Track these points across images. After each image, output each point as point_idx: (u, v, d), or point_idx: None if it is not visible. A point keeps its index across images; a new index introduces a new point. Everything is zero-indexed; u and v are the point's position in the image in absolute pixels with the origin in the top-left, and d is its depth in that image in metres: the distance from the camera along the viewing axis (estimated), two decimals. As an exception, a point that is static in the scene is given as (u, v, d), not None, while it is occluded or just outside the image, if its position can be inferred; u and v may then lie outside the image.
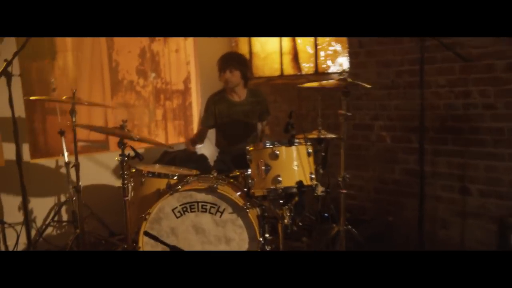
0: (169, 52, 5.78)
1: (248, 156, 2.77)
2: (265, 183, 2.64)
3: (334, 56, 4.32)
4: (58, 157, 3.70)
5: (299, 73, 4.64)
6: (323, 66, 4.41)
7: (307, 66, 4.57)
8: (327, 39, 4.33)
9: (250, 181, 2.72)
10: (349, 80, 2.87)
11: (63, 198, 4.05)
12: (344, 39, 4.20)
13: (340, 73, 4.22)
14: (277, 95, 4.64)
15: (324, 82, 3.15)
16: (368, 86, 2.99)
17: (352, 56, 3.98)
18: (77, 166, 3.33)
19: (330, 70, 4.36)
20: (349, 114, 2.86)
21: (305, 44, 4.55)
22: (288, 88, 4.53)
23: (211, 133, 3.91)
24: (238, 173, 3.11)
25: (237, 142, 3.79)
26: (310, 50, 4.50)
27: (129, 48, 6.55)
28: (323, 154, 3.08)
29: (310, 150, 2.71)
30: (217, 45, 5.05)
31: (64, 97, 3.23)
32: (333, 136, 3.17)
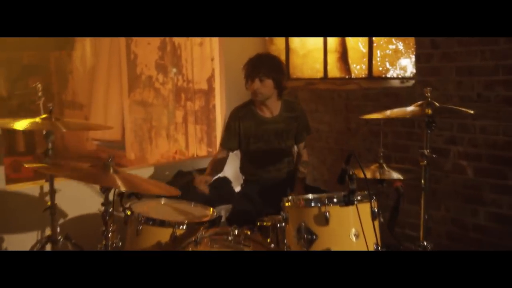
0: (192, 46, 4.95)
1: (283, 214, 1.94)
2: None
3: (395, 57, 3.38)
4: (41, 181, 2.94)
5: (347, 77, 3.72)
6: (380, 69, 3.48)
7: (357, 68, 3.65)
8: (386, 34, 3.39)
9: (285, 248, 1.89)
10: (436, 104, 1.96)
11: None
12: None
13: (402, 80, 3.29)
14: (318, 103, 3.75)
15: (398, 111, 2.20)
16: (470, 111, 2.07)
17: (422, 58, 3.03)
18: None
19: (388, 75, 3.43)
20: (434, 156, 1.95)
21: (356, 40, 3.62)
22: (332, 94, 3.63)
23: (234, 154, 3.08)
24: (269, 223, 2.28)
25: (268, 170, 2.95)
26: (363, 49, 3.57)
27: (148, 39, 5.77)
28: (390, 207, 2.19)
29: (376, 209, 1.84)
30: (246, 39, 4.18)
31: (40, 118, 2.41)
32: (400, 177, 2.27)
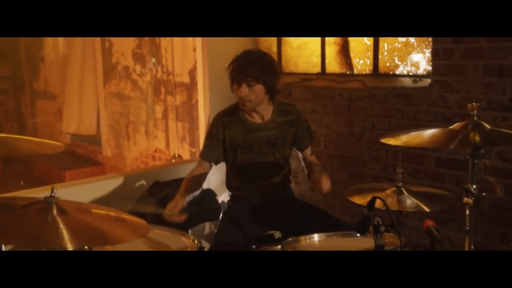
0: (171, 33, 4.42)
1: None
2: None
3: (405, 52, 2.91)
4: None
5: (349, 72, 3.25)
6: (387, 64, 3.02)
7: (361, 63, 3.18)
8: (396, 24, 2.91)
9: None
10: (486, 126, 1.49)
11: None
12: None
13: (415, 78, 2.83)
14: (316, 103, 3.27)
15: (428, 135, 1.65)
16: None
17: (440, 55, 2.57)
18: None
19: (397, 72, 2.97)
20: (484, 194, 1.50)
21: (360, 30, 3.14)
22: (333, 93, 3.16)
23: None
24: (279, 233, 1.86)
25: (260, 185, 2.49)
26: (367, 41, 3.09)
27: (124, 25, 5.19)
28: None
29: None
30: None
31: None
32: (426, 208, 1.82)
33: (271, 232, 2.20)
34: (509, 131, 1.46)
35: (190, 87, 4.32)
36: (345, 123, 3.10)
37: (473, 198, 1.48)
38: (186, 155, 4.50)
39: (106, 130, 5.66)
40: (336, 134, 3.18)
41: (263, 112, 2.41)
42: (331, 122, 3.18)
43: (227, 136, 2.42)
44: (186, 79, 4.35)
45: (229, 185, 2.61)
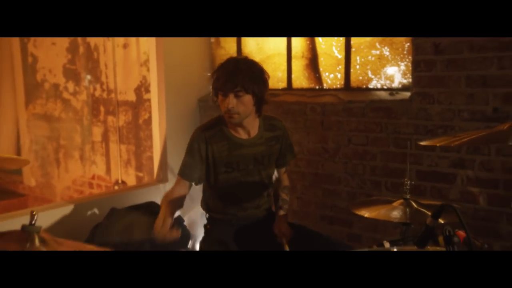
0: (113, 48, 4.05)
1: None
2: None
3: (379, 65, 2.88)
4: None
5: (318, 87, 3.15)
6: (360, 78, 2.96)
7: (331, 78, 3.09)
8: (367, 38, 2.88)
9: None
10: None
11: None
12: (396, 39, 2.78)
13: (391, 91, 2.79)
14: (285, 119, 3.09)
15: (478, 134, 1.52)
16: None
17: (421, 66, 2.55)
18: None
19: (371, 85, 2.92)
20: None
21: (329, 44, 3.07)
22: (304, 108, 3.02)
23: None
24: None
25: (244, 207, 2.24)
26: (338, 54, 3.02)
27: (53, 39, 4.69)
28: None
29: None
30: (188, 41, 3.44)
31: None
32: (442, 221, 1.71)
33: None
34: None
35: (137, 106, 3.96)
36: (318, 139, 2.97)
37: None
38: (131, 181, 4.08)
39: (28, 157, 5.01)
40: (307, 151, 3.03)
41: (250, 126, 2.18)
42: (303, 139, 3.03)
43: (210, 153, 2.15)
44: (131, 97, 3.98)
45: (207, 207, 2.32)
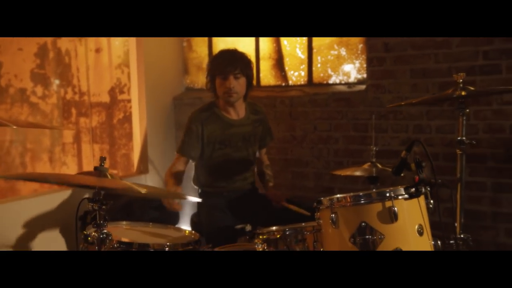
0: (86, 52, 4.27)
1: (317, 218, 1.68)
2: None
3: (337, 63, 3.37)
4: None
5: (284, 84, 3.59)
6: (321, 75, 3.43)
7: (296, 75, 3.54)
8: (327, 40, 3.37)
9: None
10: (470, 88, 1.91)
11: None
12: (351, 41, 3.29)
13: (349, 85, 3.28)
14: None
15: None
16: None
17: (374, 62, 3.07)
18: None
19: (330, 81, 3.40)
20: (473, 142, 1.90)
21: (293, 46, 3.53)
22: (274, 101, 3.44)
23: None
24: (277, 234, 1.95)
25: (234, 179, 2.61)
26: (302, 55, 3.49)
27: (19, 44, 4.79)
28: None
29: (432, 203, 1.69)
30: (161, 45, 3.75)
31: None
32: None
33: (242, 225, 2.32)
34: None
35: (111, 106, 4.19)
36: (287, 128, 3.39)
37: (463, 148, 1.86)
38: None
39: (-10, 163, 5.00)
40: (278, 139, 3.43)
41: (239, 109, 2.57)
42: (273, 129, 3.40)
43: (205, 133, 2.51)
44: (105, 98, 4.21)
45: (200, 182, 2.66)
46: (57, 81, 4.50)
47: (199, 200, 2.38)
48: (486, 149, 2.79)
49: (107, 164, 1.48)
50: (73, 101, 4.40)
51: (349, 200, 1.64)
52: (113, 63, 4.13)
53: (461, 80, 1.88)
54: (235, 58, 2.43)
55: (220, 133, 2.53)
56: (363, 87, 3.15)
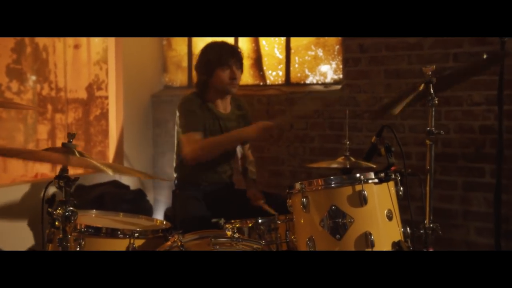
0: (64, 48, 4.23)
1: (289, 205, 1.70)
2: (340, 247, 1.57)
3: (314, 64, 3.42)
4: None
5: (261, 83, 3.62)
6: (298, 75, 3.48)
7: (273, 75, 3.58)
8: (304, 41, 3.42)
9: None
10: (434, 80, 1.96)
11: None
12: (328, 42, 3.35)
13: (325, 85, 3.34)
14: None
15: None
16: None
17: (349, 62, 3.13)
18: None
19: (307, 81, 3.45)
20: (442, 132, 1.95)
21: (271, 46, 3.57)
22: (251, 100, 3.46)
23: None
24: (250, 223, 1.95)
25: (215, 171, 2.58)
26: (280, 55, 3.53)
27: (-6, 39, 4.72)
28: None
29: (402, 190, 1.73)
30: (141, 43, 3.75)
31: None
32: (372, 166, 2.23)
33: (217, 219, 2.32)
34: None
35: (88, 103, 4.15)
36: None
37: (433, 138, 1.91)
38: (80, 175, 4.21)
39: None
40: (255, 138, 3.45)
41: (226, 103, 2.57)
42: (250, 127, 3.46)
43: (201, 117, 2.45)
44: (82, 94, 4.17)
45: (180, 171, 2.60)
46: (33, 77, 4.44)
47: (168, 180, 2.33)
48: (457, 149, 2.86)
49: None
50: (49, 97, 4.35)
51: (320, 183, 1.66)
52: (92, 59, 4.11)
53: (429, 73, 1.93)
54: (234, 50, 2.45)
55: (212, 123, 2.49)
56: (339, 87, 3.21)
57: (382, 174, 1.64)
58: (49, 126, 4.38)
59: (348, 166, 2.33)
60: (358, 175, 1.61)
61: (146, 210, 2.97)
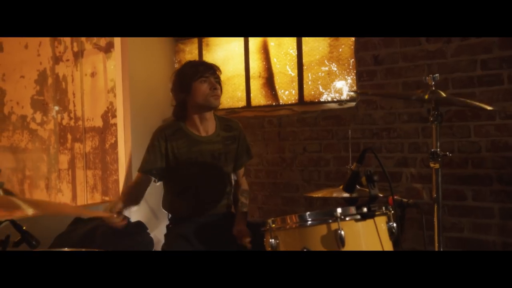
0: (81, 77, 4.22)
1: (271, 242, 1.41)
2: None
3: (328, 80, 3.14)
4: None
5: (274, 104, 3.38)
6: (312, 93, 3.21)
7: (286, 94, 3.33)
8: (317, 56, 3.16)
9: None
10: (442, 94, 1.64)
11: None
12: (342, 55, 3.07)
13: (340, 103, 3.04)
14: (245, 133, 3.30)
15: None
16: (488, 107, 1.79)
17: (364, 76, 2.82)
18: None
19: (322, 99, 3.17)
20: (449, 154, 1.61)
21: (283, 64, 3.33)
22: (262, 122, 3.23)
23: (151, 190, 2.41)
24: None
25: (204, 202, 2.36)
26: (292, 72, 3.28)
27: (22, 71, 4.83)
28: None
29: (395, 227, 1.42)
30: (153, 65, 3.65)
31: None
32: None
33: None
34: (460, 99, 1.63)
35: (103, 131, 4.09)
36: (276, 150, 3.16)
37: (439, 161, 1.59)
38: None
39: (-7, 190, 4.98)
40: (267, 162, 3.21)
41: (208, 125, 2.35)
42: (262, 150, 3.22)
43: (169, 149, 2.29)
44: (98, 123, 4.12)
45: (167, 205, 2.42)
46: (56, 108, 4.47)
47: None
48: (491, 170, 2.47)
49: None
50: (68, 126, 4.34)
51: (294, 220, 1.39)
52: (107, 86, 4.06)
53: (432, 83, 1.61)
54: (211, 65, 2.29)
55: (186, 150, 2.31)
56: (353, 104, 2.90)
57: (365, 209, 1.33)
58: (69, 156, 4.36)
59: (353, 195, 2.04)
60: (335, 211, 1.32)
61: (146, 243, 2.78)
